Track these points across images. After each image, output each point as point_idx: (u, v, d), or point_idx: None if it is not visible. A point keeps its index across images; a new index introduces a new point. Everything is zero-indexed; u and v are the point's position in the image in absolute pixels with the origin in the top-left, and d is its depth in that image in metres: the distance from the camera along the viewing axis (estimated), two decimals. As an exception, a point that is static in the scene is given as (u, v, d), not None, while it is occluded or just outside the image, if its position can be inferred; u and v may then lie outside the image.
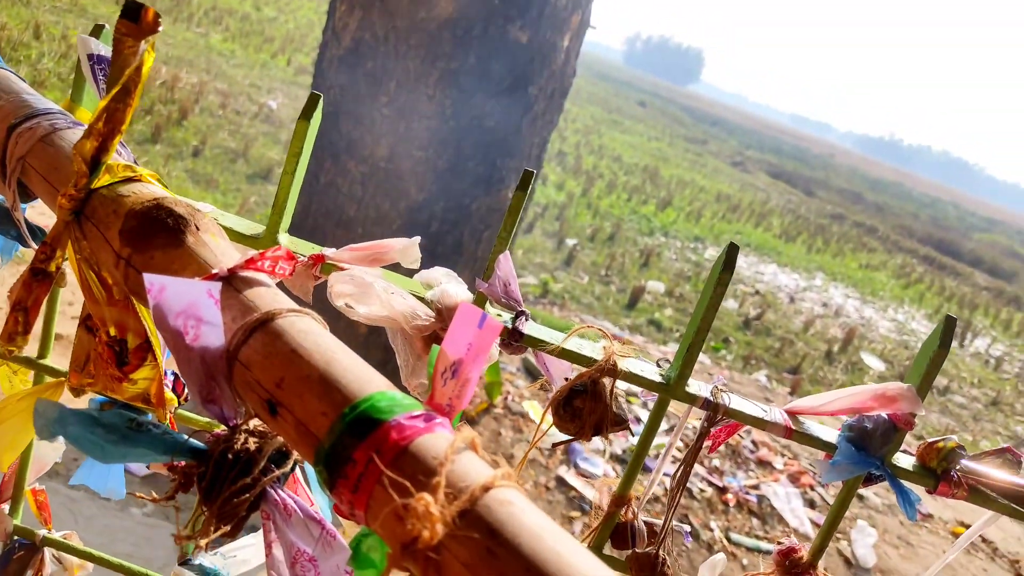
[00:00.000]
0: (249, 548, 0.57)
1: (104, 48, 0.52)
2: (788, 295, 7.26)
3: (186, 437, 0.35)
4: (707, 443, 0.56)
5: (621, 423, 0.53)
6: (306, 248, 0.54)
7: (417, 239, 0.56)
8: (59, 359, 0.58)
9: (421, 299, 0.54)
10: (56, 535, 0.57)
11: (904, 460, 0.57)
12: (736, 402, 0.56)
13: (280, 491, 0.36)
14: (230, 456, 0.35)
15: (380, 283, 0.51)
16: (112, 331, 0.44)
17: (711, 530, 2.72)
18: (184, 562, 0.54)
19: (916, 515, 0.57)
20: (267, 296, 0.37)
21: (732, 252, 0.54)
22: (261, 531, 0.58)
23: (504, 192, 2.89)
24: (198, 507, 0.35)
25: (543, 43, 2.83)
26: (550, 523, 0.29)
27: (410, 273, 0.60)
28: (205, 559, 0.54)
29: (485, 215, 2.89)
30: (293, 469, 0.37)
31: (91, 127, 0.39)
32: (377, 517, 0.29)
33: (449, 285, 0.57)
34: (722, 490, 2.94)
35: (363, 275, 0.51)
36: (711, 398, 0.55)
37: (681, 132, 20.15)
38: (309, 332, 0.35)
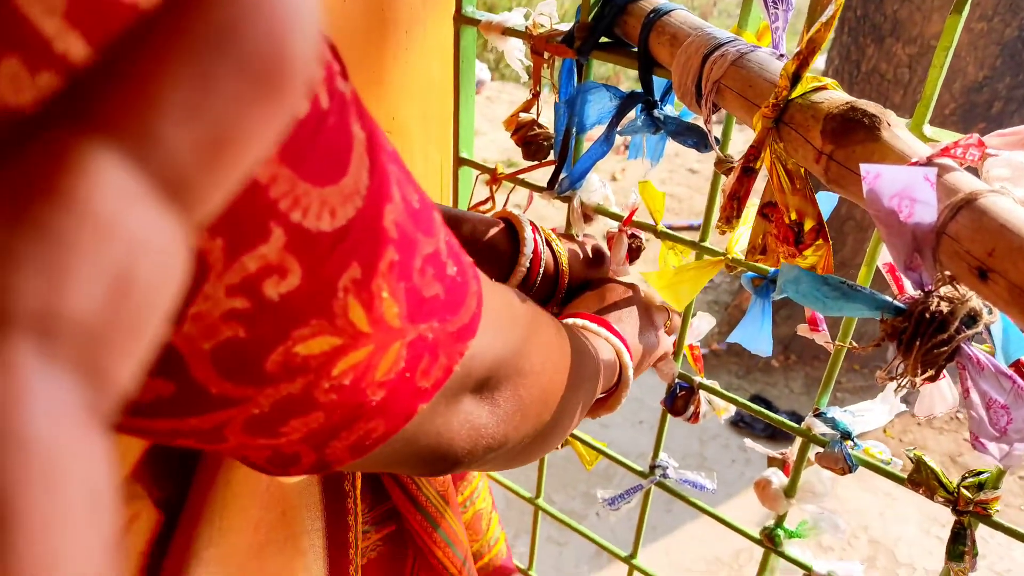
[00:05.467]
0: (871, 412, 0.65)
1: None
2: None
3: (891, 298, 0.43)
4: None
5: None
6: (948, 137, 0.57)
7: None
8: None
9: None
10: (708, 382, 0.73)
11: None
12: None
13: (972, 348, 0.42)
14: (927, 315, 0.43)
15: (1039, 168, 0.52)
16: (792, 216, 0.54)
17: None
18: (818, 414, 0.65)
19: None
20: (964, 179, 0.42)
21: None
22: (881, 398, 0.66)
23: (1100, 58, 2.34)
24: (896, 357, 0.43)
25: None
26: None
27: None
28: (837, 413, 0.64)
29: (1067, 89, 2.39)
30: (980, 331, 0.43)
31: (799, 52, 0.49)
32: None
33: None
34: None
35: (1019, 159, 0.52)
36: None
37: None
38: (1011, 209, 0.40)
